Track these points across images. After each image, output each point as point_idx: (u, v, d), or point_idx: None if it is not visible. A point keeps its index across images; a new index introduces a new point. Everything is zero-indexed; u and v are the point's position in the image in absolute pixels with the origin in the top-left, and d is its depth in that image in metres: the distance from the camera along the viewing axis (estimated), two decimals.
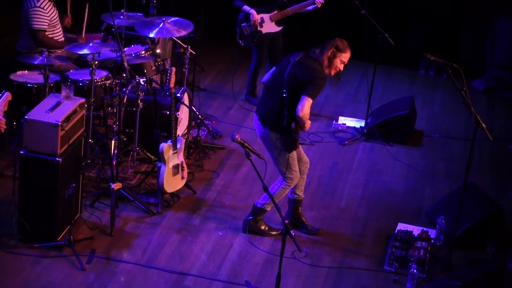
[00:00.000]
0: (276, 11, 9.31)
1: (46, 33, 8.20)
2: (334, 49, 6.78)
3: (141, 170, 8.04)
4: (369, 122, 9.31)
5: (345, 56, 6.83)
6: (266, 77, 7.09)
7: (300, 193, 7.26)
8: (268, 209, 7.15)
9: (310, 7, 9.23)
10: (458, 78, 6.65)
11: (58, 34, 8.38)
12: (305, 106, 6.63)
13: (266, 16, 9.32)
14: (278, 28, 9.47)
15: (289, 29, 9.79)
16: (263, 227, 7.22)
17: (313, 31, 11.45)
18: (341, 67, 6.85)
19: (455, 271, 6.84)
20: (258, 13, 9.28)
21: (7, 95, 6.25)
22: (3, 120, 6.16)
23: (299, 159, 7.09)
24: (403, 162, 8.84)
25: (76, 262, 6.54)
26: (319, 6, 9.16)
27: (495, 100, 10.73)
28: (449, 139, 9.49)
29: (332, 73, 6.84)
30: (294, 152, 6.94)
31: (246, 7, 9.28)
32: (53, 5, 8.29)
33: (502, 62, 10.95)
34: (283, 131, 6.82)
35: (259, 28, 9.33)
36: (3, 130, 6.18)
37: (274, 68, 7.07)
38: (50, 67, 7.58)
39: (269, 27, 9.38)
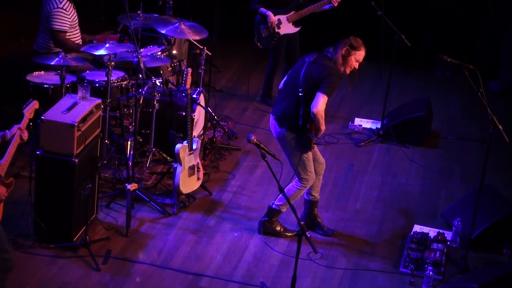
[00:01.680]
0: (293, 12, 9.31)
1: (66, 35, 8.24)
2: (348, 47, 6.75)
3: (157, 171, 8.05)
4: (385, 123, 9.28)
5: (360, 54, 6.80)
6: (283, 82, 7.08)
7: (316, 194, 7.24)
8: (284, 210, 7.14)
9: (327, 6, 9.21)
10: (475, 80, 6.63)
11: (76, 36, 8.42)
12: (319, 103, 6.60)
13: (283, 18, 9.31)
14: (296, 29, 9.46)
15: (306, 30, 9.77)
16: (278, 228, 7.21)
17: (328, 32, 11.45)
18: (356, 65, 6.81)
19: (471, 273, 6.82)
20: (275, 15, 9.28)
21: (34, 103, 6.20)
22: (26, 133, 6.12)
23: (315, 160, 7.08)
24: (419, 164, 8.81)
25: (91, 263, 6.56)
26: (335, 4, 9.14)
27: (511, 102, 10.69)
28: (465, 140, 9.45)
29: (347, 71, 6.81)
30: (310, 153, 6.92)
31: (262, 10, 9.28)
32: (73, 7, 8.33)
33: None
34: (298, 130, 6.79)
35: (276, 30, 9.32)
36: (24, 140, 6.17)
37: (290, 71, 7.05)
38: (67, 67, 7.61)
39: (287, 28, 9.37)
